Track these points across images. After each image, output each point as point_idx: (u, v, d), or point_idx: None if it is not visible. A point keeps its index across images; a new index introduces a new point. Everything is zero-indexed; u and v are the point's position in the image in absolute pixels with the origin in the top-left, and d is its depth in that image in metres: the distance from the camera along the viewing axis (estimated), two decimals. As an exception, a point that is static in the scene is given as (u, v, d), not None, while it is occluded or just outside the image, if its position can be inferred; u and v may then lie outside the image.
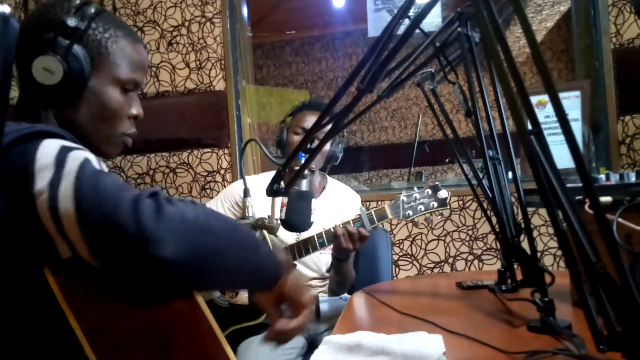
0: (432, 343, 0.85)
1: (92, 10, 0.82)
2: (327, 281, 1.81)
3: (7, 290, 0.66)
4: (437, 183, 1.49)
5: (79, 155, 0.63)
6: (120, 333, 0.64)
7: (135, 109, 0.89)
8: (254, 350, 1.46)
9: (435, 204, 1.48)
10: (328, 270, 1.80)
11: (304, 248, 1.54)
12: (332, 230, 1.51)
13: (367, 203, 2.25)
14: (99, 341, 0.61)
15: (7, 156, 0.61)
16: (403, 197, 1.50)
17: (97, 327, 0.62)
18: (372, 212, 1.51)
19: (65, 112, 0.81)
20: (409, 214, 1.49)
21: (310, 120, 1.73)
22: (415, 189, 1.51)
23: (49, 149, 0.62)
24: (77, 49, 0.79)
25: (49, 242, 0.60)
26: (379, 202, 2.05)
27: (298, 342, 1.58)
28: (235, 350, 1.50)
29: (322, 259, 1.77)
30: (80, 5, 0.81)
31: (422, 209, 1.48)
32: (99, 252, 0.59)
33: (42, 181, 0.59)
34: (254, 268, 0.72)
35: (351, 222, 1.51)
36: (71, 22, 0.78)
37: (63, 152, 0.62)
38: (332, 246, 1.59)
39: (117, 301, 0.66)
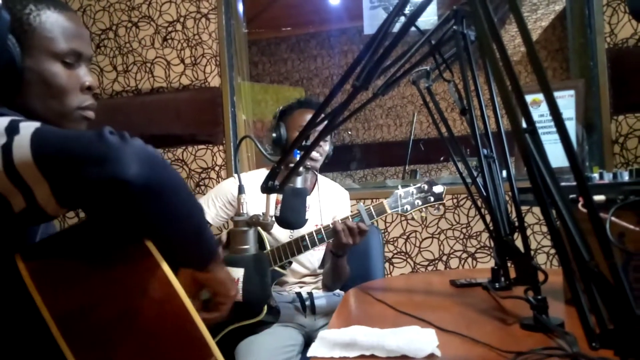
0: (425, 337, 0.85)
1: None
2: (320, 277, 1.81)
3: None
4: (432, 179, 1.54)
5: (34, 123, 0.65)
6: (92, 320, 0.64)
7: (87, 80, 0.85)
8: (254, 349, 1.46)
9: (432, 199, 1.52)
10: (320, 267, 1.80)
11: (302, 244, 1.55)
12: (330, 226, 1.53)
13: (362, 201, 2.25)
14: (69, 327, 0.61)
15: None
16: (400, 193, 1.54)
17: (68, 314, 0.62)
18: (371, 208, 1.54)
19: (16, 99, 0.79)
20: (407, 208, 1.53)
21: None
22: (412, 184, 1.55)
23: None
24: None
25: (1, 200, 0.62)
26: (373, 200, 2.05)
27: (297, 339, 1.58)
28: (234, 349, 1.49)
29: (315, 255, 1.78)
30: None
31: (420, 203, 1.53)
32: (60, 187, 0.61)
33: None
34: (198, 230, 0.75)
35: (350, 217, 1.52)
36: None
37: (14, 123, 0.64)
38: (326, 243, 1.59)
39: (90, 288, 0.66)
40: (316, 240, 1.55)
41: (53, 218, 0.65)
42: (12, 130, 0.63)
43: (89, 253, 0.69)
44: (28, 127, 0.63)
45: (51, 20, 0.80)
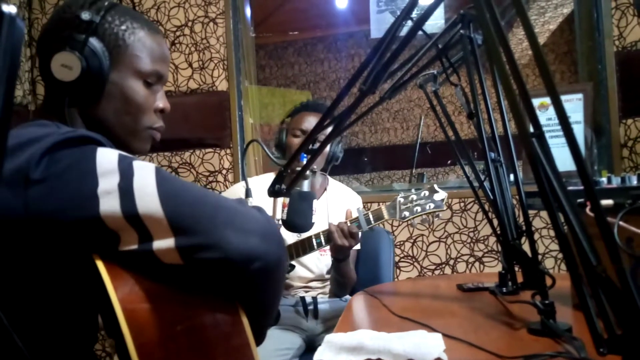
0: (432, 341, 0.85)
1: (106, 3, 0.80)
2: (327, 283, 1.81)
3: (57, 282, 0.67)
4: (434, 185, 1.51)
5: (145, 163, 0.65)
6: (164, 329, 0.63)
7: (162, 102, 0.87)
8: None
9: (432, 205, 1.49)
10: (328, 272, 1.80)
11: (302, 248, 1.56)
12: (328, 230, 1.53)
13: (369, 204, 2.25)
14: (138, 329, 0.60)
15: (53, 157, 0.62)
16: (400, 199, 1.52)
17: (139, 315, 0.61)
18: (369, 213, 1.54)
19: (91, 109, 0.80)
20: (405, 215, 1.51)
21: (308, 121, 1.73)
22: (413, 190, 1.53)
23: (107, 156, 0.64)
24: (93, 42, 0.77)
25: (112, 235, 0.61)
26: (380, 204, 2.05)
27: (294, 343, 1.58)
28: None
29: (323, 260, 1.78)
30: (94, 0, 0.80)
31: (419, 210, 1.50)
32: (190, 247, 0.61)
33: (107, 184, 0.60)
34: (273, 311, 0.76)
35: (348, 222, 1.53)
36: (85, 15, 0.76)
37: (125, 161, 0.64)
38: (327, 247, 1.60)
39: (162, 296, 0.65)
40: (314, 244, 1.55)
41: (167, 266, 0.63)
42: (125, 169, 0.62)
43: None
44: (145, 170, 0.63)
45: (143, 40, 0.83)
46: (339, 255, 1.60)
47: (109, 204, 0.60)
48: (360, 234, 1.53)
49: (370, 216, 1.53)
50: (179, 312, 0.65)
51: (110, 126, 0.82)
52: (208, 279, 0.65)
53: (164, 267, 0.63)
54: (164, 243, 0.60)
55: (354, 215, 1.55)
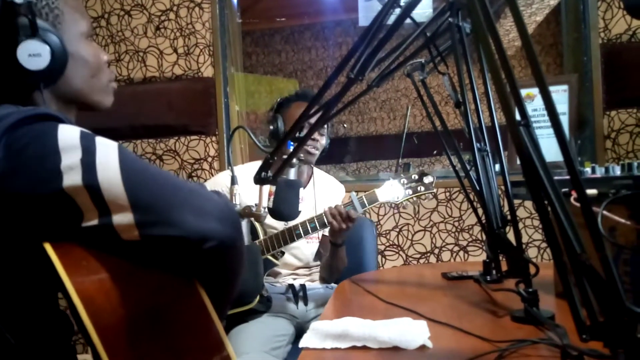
0: (417, 329, 0.86)
1: None
2: (314, 270, 1.82)
3: (6, 264, 0.66)
4: (422, 169, 1.60)
5: (107, 140, 0.65)
6: (116, 302, 0.63)
7: (105, 55, 0.88)
8: (244, 337, 1.46)
9: (422, 188, 1.58)
10: (315, 259, 1.81)
11: (295, 233, 1.58)
12: (323, 214, 1.56)
13: (356, 193, 2.25)
14: (96, 313, 0.60)
15: (14, 134, 0.61)
16: (391, 183, 1.59)
17: (96, 299, 0.61)
18: (363, 197, 1.59)
19: (59, 86, 0.79)
20: (397, 197, 1.58)
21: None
22: (402, 175, 1.60)
23: (69, 132, 0.63)
24: (40, 22, 0.75)
25: (75, 210, 0.61)
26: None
27: (287, 329, 1.59)
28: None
29: (309, 248, 1.78)
30: None
31: (410, 192, 1.58)
32: (148, 223, 0.62)
33: (69, 160, 0.61)
34: (232, 296, 0.77)
35: (342, 205, 1.56)
36: None
37: (86, 137, 0.64)
38: (321, 234, 1.61)
39: (116, 276, 0.65)
40: (309, 228, 1.57)
41: (124, 243, 0.63)
42: (88, 145, 0.62)
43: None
44: (107, 146, 0.64)
45: (69, 2, 0.81)
46: (338, 239, 1.63)
47: (72, 178, 0.60)
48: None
49: (365, 199, 1.58)
50: (138, 292, 0.66)
51: (83, 94, 0.83)
52: (164, 256, 0.66)
53: (121, 244, 0.63)
54: (123, 218, 0.61)
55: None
